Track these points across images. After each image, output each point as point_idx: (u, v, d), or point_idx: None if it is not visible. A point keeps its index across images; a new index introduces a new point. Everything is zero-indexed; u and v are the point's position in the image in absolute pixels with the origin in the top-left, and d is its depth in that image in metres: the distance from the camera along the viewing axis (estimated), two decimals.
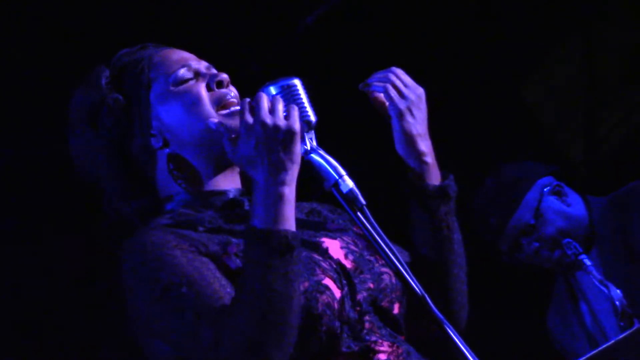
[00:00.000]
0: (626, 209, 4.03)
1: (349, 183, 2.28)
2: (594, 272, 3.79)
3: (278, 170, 2.20)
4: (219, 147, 2.36)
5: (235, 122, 2.33)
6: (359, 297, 2.30)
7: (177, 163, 2.40)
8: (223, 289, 2.19)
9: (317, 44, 5.10)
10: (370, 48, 5.17)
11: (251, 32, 4.99)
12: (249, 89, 2.37)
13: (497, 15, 5.48)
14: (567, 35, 5.60)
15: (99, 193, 2.47)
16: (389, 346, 2.28)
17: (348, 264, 2.33)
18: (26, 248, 4.55)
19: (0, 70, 4.47)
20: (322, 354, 2.24)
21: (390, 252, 2.27)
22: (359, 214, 2.27)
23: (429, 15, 5.30)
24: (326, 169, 2.30)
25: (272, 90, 2.31)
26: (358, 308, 2.29)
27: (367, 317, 2.29)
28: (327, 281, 2.26)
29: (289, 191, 2.20)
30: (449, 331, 2.21)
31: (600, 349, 2.75)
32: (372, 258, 2.37)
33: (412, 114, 2.48)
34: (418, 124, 2.48)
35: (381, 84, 2.49)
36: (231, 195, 2.40)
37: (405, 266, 2.27)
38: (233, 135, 2.29)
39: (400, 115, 2.47)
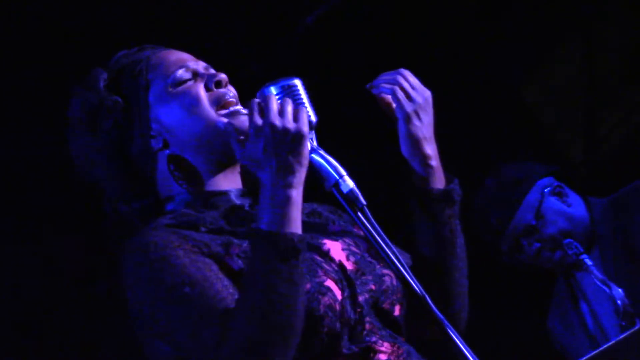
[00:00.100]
0: (627, 210, 4.04)
1: (349, 183, 2.28)
2: (596, 272, 3.79)
3: (286, 172, 2.20)
4: (220, 147, 2.36)
5: (237, 122, 2.33)
6: (360, 298, 2.29)
7: (178, 164, 2.40)
8: (226, 289, 2.19)
9: (317, 44, 5.10)
10: (370, 48, 5.17)
11: (251, 32, 4.98)
12: (249, 89, 2.37)
13: (497, 15, 5.48)
14: (567, 35, 5.60)
15: (99, 193, 2.46)
16: (390, 346, 2.28)
17: (349, 266, 2.33)
18: (26, 248, 4.55)
19: (0, 70, 4.46)
20: (323, 355, 2.24)
21: (391, 252, 2.27)
22: (359, 214, 2.27)
23: (429, 15, 5.30)
24: (326, 169, 2.29)
25: (273, 90, 2.30)
26: (359, 309, 2.28)
27: (367, 319, 2.29)
28: (329, 283, 2.26)
29: (296, 194, 2.20)
30: (450, 332, 2.21)
31: (601, 349, 2.75)
32: (373, 260, 2.36)
33: (419, 118, 2.47)
34: (424, 127, 2.47)
35: (389, 86, 2.49)
36: (232, 196, 2.40)
37: (406, 266, 2.27)
38: (242, 137, 2.29)
39: (408, 118, 2.47)
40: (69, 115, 2.47)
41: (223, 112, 2.39)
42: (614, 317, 3.78)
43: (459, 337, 2.22)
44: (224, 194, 2.40)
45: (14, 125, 4.52)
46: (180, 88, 2.42)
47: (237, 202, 2.40)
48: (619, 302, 3.68)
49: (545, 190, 4.10)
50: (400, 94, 2.47)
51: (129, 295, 2.25)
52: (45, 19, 4.51)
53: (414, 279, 2.26)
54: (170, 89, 2.42)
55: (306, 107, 2.30)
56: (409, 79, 2.49)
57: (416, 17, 5.29)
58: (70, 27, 4.52)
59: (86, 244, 4.47)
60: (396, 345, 2.29)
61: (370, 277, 2.33)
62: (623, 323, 3.67)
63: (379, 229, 2.27)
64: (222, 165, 2.41)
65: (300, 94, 2.31)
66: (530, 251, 4.08)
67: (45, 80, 4.40)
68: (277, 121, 2.22)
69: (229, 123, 2.34)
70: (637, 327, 3.05)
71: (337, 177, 2.29)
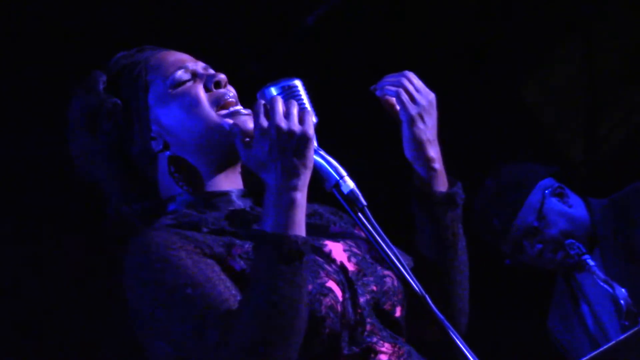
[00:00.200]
0: (627, 210, 4.04)
1: (349, 184, 2.28)
2: (598, 272, 3.79)
3: (290, 175, 2.20)
4: (220, 148, 2.36)
5: (237, 121, 2.33)
6: (361, 299, 2.29)
7: (178, 165, 2.40)
8: (228, 290, 2.19)
9: (317, 44, 5.10)
10: (370, 48, 5.17)
11: (251, 32, 4.98)
12: (249, 89, 2.37)
13: (497, 15, 5.48)
14: (567, 35, 5.60)
15: (99, 193, 2.46)
16: (390, 347, 2.28)
17: (351, 267, 2.33)
18: (26, 248, 4.54)
19: (0, 70, 4.46)
20: (324, 356, 2.23)
21: (392, 253, 2.27)
22: (359, 214, 2.27)
23: (429, 15, 5.30)
24: (327, 169, 2.29)
25: (273, 90, 2.30)
26: (360, 310, 2.28)
27: (368, 320, 2.29)
28: (331, 284, 2.26)
29: (301, 196, 2.20)
30: (450, 332, 2.21)
31: (601, 349, 2.75)
32: (374, 261, 2.36)
33: (423, 120, 2.47)
34: (428, 130, 2.47)
35: (393, 88, 2.48)
36: (233, 197, 2.40)
37: (406, 266, 2.27)
38: (247, 139, 2.29)
39: (412, 121, 2.46)
40: (69, 117, 2.47)
41: (223, 112, 2.39)
42: (614, 317, 3.78)
43: (459, 337, 2.22)
44: (225, 194, 2.40)
45: (14, 125, 4.52)
46: (179, 89, 2.42)
47: (238, 202, 2.40)
48: (622, 302, 3.68)
49: (547, 191, 4.10)
50: (405, 97, 2.47)
51: (130, 296, 2.25)
52: (45, 19, 4.51)
53: (414, 278, 2.26)
54: (169, 91, 2.41)
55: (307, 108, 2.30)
56: (414, 82, 2.48)
57: (416, 17, 5.29)
58: (70, 27, 4.52)
59: (86, 244, 4.47)
60: (397, 346, 2.29)
61: (371, 279, 2.33)
62: (626, 323, 3.67)
63: (379, 229, 2.27)
64: (222, 166, 2.41)
65: (300, 95, 2.31)
66: (532, 252, 4.09)
67: (45, 80, 4.40)
68: (283, 123, 2.21)
69: (234, 124, 2.34)
70: (637, 328, 3.05)
71: (338, 178, 2.28)
